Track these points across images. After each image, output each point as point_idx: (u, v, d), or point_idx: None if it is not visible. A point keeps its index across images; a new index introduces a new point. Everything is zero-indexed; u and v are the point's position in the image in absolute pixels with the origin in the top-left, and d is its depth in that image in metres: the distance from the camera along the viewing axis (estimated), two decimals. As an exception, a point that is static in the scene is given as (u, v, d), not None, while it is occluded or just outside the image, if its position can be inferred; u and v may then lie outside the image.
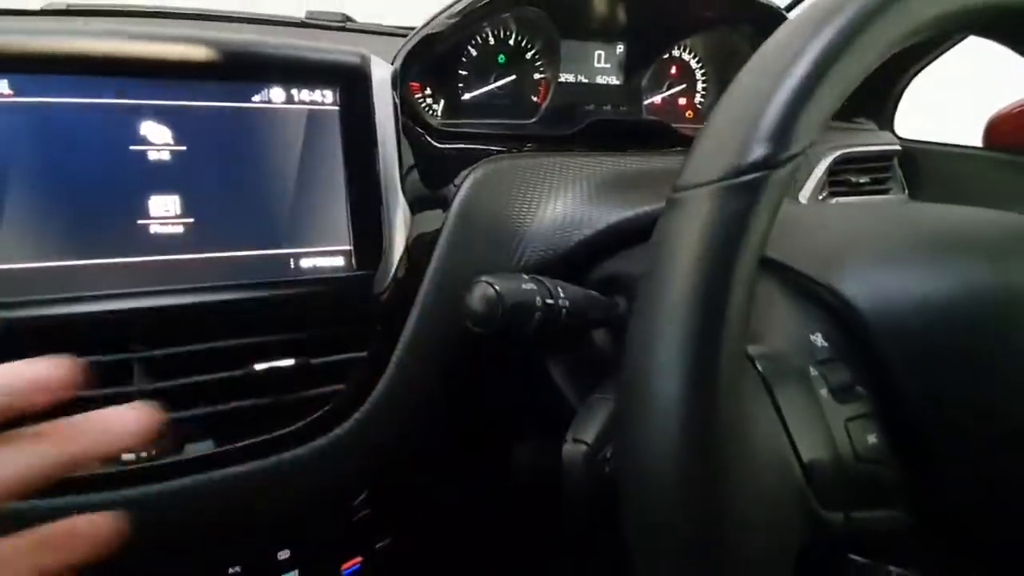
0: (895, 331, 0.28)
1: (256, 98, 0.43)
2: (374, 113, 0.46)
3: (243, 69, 0.42)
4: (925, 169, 0.84)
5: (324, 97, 0.44)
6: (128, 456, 0.39)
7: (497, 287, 0.35)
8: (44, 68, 0.38)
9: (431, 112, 0.64)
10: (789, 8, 0.76)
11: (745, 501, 0.24)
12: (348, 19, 0.84)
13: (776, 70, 0.25)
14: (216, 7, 0.75)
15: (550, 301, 0.38)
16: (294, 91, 0.43)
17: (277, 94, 0.43)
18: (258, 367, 0.42)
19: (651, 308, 0.25)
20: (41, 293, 0.38)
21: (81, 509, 0.38)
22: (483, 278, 0.36)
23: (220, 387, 0.41)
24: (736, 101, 0.26)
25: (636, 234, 0.48)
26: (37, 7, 0.64)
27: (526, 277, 0.38)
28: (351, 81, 0.45)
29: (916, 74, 0.83)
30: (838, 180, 0.76)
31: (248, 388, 0.42)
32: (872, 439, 0.27)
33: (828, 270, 0.31)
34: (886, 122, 0.86)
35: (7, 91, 0.37)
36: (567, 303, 0.39)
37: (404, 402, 0.47)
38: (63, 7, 0.64)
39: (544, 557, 0.61)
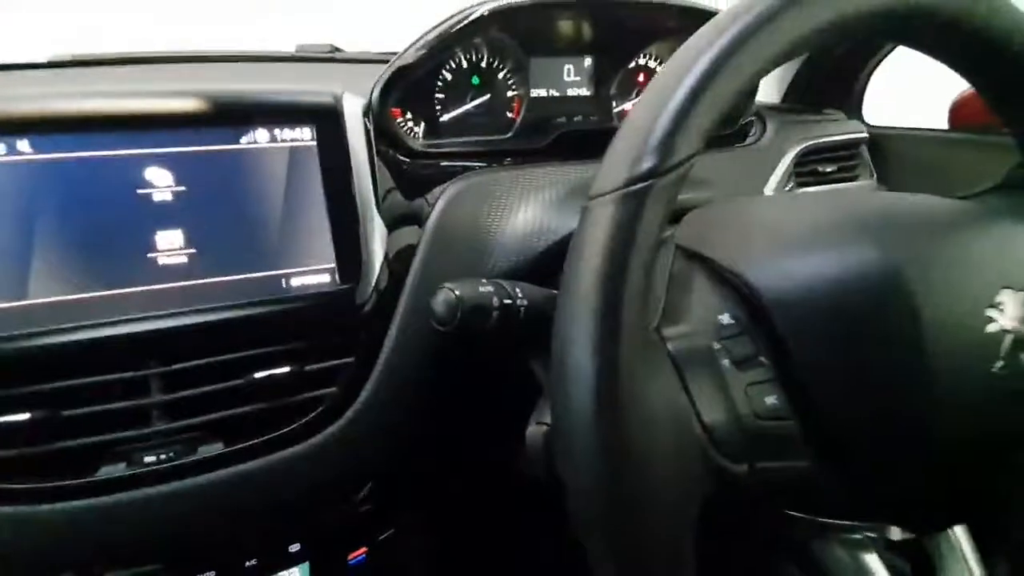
0: (788, 309, 0.32)
1: (244, 140, 0.48)
2: (348, 145, 0.51)
3: (231, 115, 0.48)
4: (894, 154, 0.86)
5: (303, 134, 0.50)
6: (149, 458, 0.45)
7: (457, 291, 0.40)
8: (59, 128, 0.44)
9: (412, 134, 0.69)
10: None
11: (649, 461, 0.28)
12: (336, 50, 0.90)
13: (662, 93, 0.30)
14: (219, 46, 0.80)
15: (508, 301, 0.42)
16: (276, 131, 0.49)
17: (262, 135, 0.49)
18: (258, 375, 0.47)
19: (564, 304, 0.30)
20: (68, 321, 0.44)
21: (104, 510, 0.44)
22: (446, 284, 0.41)
23: (226, 395, 0.47)
24: (633, 121, 0.31)
25: None
26: (44, 59, 0.70)
27: (485, 281, 0.43)
28: (325, 119, 0.50)
29: (879, 63, 0.86)
30: (805, 171, 0.79)
31: (250, 394, 0.48)
32: (772, 400, 0.32)
33: (736, 257, 0.35)
34: (854, 110, 0.89)
35: (28, 150, 0.43)
36: (525, 302, 0.43)
37: (391, 400, 0.52)
38: (69, 59, 0.70)
39: (532, 542, 0.66)
